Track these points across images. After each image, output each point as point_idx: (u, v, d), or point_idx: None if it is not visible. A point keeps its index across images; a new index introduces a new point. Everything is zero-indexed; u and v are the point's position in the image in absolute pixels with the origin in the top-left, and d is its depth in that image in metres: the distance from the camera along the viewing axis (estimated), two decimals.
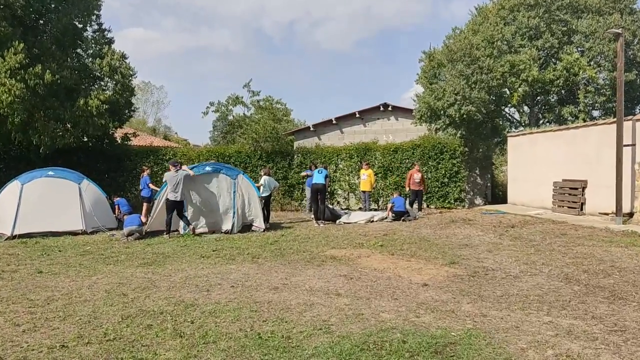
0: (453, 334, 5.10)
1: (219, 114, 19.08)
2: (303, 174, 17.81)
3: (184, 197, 12.85)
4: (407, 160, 18.95)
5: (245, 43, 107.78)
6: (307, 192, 17.46)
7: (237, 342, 5.01)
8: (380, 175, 18.87)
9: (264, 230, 13.46)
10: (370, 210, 17.37)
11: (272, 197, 16.02)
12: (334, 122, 24.85)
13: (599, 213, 14.28)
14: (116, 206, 15.81)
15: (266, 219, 14.50)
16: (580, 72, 19.01)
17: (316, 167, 17.43)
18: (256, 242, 11.78)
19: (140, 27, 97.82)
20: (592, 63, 19.44)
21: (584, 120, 19.24)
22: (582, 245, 10.10)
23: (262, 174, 15.10)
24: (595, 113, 21.06)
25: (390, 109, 24.11)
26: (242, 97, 19.27)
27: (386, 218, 15.41)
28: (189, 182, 13.10)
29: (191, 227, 12.83)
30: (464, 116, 18.99)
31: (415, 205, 16.62)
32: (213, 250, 10.61)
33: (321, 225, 14.69)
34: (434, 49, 21.06)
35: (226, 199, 13.48)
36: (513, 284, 7.14)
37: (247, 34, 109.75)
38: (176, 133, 60.78)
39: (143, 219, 13.43)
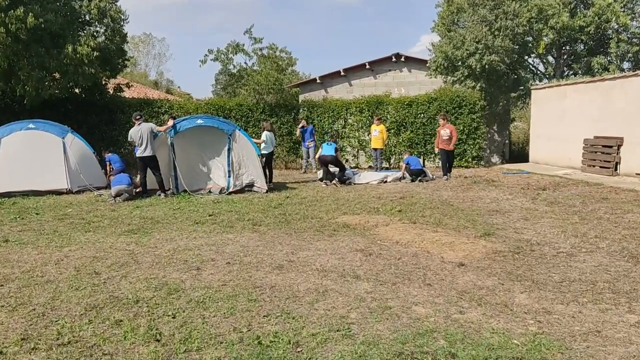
0: (515, 341, 3.83)
1: (219, 63, 17.51)
2: (297, 133, 16.69)
3: (155, 152, 11.64)
4: (422, 115, 17.46)
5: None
6: (304, 152, 16.58)
7: (229, 350, 3.77)
8: (392, 131, 17.43)
9: (266, 192, 12.19)
10: (382, 169, 16.03)
11: (274, 155, 14.69)
12: (342, 73, 23.16)
13: (636, 174, 12.91)
14: (107, 162, 14.47)
15: (269, 178, 13.22)
16: (613, 19, 17.26)
17: (308, 124, 16.47)
18: (258, 205, 10.52)
19: None
20: (625, 9, 17.64)
21: (615, 72, 17.63)
22: (632, 213, 8.77)
23: (263, 128, 13.71)
24: (625, 65, 19.40)
25: (402, 59, 22.39)
26: (244, 45, 17.67)
27: (403, 178, 14.06)
28: (184, 139, 11.80)
29: (163, 194, 11.55)
30: (486, 67, 17.37)
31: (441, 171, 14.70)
32: (209, 215, 9.36)
33: (330, 185, 13.41)
34: None
35: (220, 156, 12.20)
36: (570, 265, 5.84)
37: None
38: (179, 87, 59.05)
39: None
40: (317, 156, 14.15)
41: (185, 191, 11.88)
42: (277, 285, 5.26)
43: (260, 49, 17.77)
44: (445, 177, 14.06)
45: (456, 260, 6.06)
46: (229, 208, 10.14)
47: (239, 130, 12.42)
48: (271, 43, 17.82)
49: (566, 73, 19.88)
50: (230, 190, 12.16)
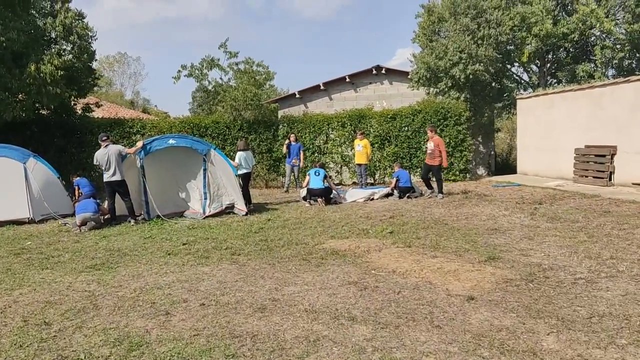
0: None
1: (194, 79, 16.70)
2: (284, 150, 15.80)
3: (124, 176, 10.75)
4: (407, 128, 16.83)
5: (225, 12, 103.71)
6: (287, 169, 15.82)
7: None
8: (376, 145, 16.76)
9: (246, 214, 11.37)
10: (367, 184, 15.32)
11: (253, 175, 13.88)
12: (322, 87, 22.60)
13: (633, 184, 12.39)
14: (76, 187, 13.49)
15: (247, 200, 12.41)
16: (597, 25, 16.92)
17: (296, 139, 15.65)
18: (237, 230, 9.69)
19: None
20: (609, 15, 17.33)
21: (601, 79, 17.26)
22: None
23: (237, 148, 12.88)
24: (610, 72, 19.08)
25: (383, 72, 21.91)
26: (219, 60, 16.91)
27: (391, 194, 13.34)
28: (155, 161, 10.95)
29: (133, 221, 10.66)
30: (470, 77, 16.86)
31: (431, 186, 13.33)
32: (183, 244, 8.51)
33: (314, 204, 12.64)
34: (433, 2, 18.74)
35: (195, 178, 11.40)
36: (594, 294, 5.14)
37: (226, 2, 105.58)
38: (156, 106, 58.14)
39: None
40: (304, 184, 13.34)
41: (157, 217, 11.01)
42: (259, 334, 4.45)
43: (236, 64, 17.05)
44: (440, 195, 12.76)
45: (464, 292, 5.31)
46: (205, 235, 9.30)
47: (215, 149, 11.60)
48: (247, 57, 17.14)
49: (550, 82, 19.49)
50: (207, 214, 11.33)
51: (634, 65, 18.58)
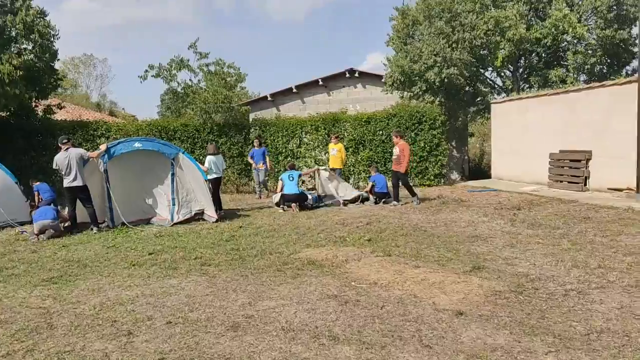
0: None
1: (162, 79, 16.09)
2: (250, 161, 15.28)
3: (85, 181, 10.15)
4: (381, 132, 16.56)
5: (195, 15, 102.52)
6: (255, 175, 15.41)
7: None
8: (351, 149, 16.44)
9: (216, 221, 10.88)
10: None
11: (223, 179, 13.38)
12: (295, 90, 22.17)
13: (609, 189, 12.32)
14: (35, 192, 12.78)
15: (218, 206, 11.93)
16: (570, 30, 16.96)
17: (260, 144, 15.10)
18: (207, 238, 9.21)
19: None
20: (581, 20, 17.41)
21: (573, 84, 17.32)
22: (624, 234, 7.98)
23: (207, 153, 12.39)
24: (582, 77, 19.17)
25: (357, 75, 21.63)
26: (188, 60, 16.35)
27: (366, 200, 13.02)
28: (120, 165, 10.40)
29: (96, 229, 10.09)
30: (445, 80, 16.70)
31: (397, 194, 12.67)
32: (149, 254, 8.00)
33: (288, 210, 12.23)
34: (407, 5, 18.58)
35: (163, 183, 10.89)
36: (588, 307, 4.85)
37: (196, 4, 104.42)
38: (123, 109, 56.87)
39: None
40: (278, 190, 12.88)
41: (122, 224, 10.45)
42: (232, 357, 4.02)
43: (207, 65, 16.51)
44: (395, 203, 12.29)
45: (452, 306, 4.97)
46: (173, 243, 8.79)
47: (183, 153, 11.10)
48: (218, 58, 16.61)
49: (523, 86, 19.50)
50: (175, 221, 10.82)
51: (604, 71, 18.70)
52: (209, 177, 11.90)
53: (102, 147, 10.48)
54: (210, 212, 11.07)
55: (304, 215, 11.58)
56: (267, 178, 15.43)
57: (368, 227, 9.66)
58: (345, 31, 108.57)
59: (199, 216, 11.16)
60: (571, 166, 13.68)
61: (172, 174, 10.90)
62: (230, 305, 5.29)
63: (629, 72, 19.07)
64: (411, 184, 13.08)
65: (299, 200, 12.32)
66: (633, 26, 17.75)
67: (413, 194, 12.53)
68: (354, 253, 7.39)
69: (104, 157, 10.36)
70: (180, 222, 10.85)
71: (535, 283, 5.65)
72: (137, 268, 7.10)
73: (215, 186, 12.13)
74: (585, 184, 13.18)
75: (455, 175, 20.15)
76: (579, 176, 13.33)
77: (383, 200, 12.67)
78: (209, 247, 8.38)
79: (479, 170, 24.35)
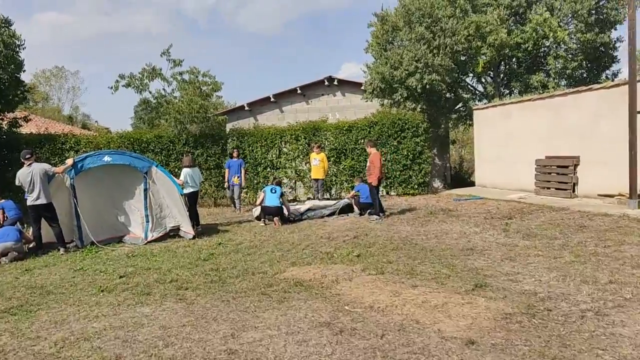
0: None
1: (133, 89, 15.36)
2: (226, 174, 14.43)
3: (50, 199, 9.42)
4: (364, 141, 16.05)
5: (169, 26, 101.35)
6: (228, 189, 14.64)
7: None
8: (332, 159, 15.91)
9: (193, 238, 10.24)
10: (324, 200, 14.41)
11: (200, 193, 12.72)
12: (272, 99, 21.67)
13: (599, 195, 12.01)
14: (0, 210, 11.94)
15: (195, 222, 11.28)
16: (551, 35, 16.78)
17: (235, 156, 14.35)
18: (183, 257, 8.57)
19: (53, 11, 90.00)
20: (561, 24, 17.24)
21: (554, 90, 17.12)
22: (626, 244, 7.57)
23: (182, 165, 11.75)
24: (562, 82, 19.00)
25: (336, 83, 21.25)
26: (161, 69, 15.67)
27: (351, 212, 12.49)
28: (88, 180, 9.71)
29: (63, 250, 9.40)
30: (427, 87, 16.34)
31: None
32: (120, 277, 7.33)
33: (269, 224, 11.64)
34: (386, 10, 18.20)
35: (135, 198, 10.22)
36: (611, 332, 4.37)
37: (170, 16, 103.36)
38: (96, 122, 55.67)
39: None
40: (258, 202, 12.25)
41: (92, 243, 9.74)
42: None
43: (180, 74, 15.84)
44: (375, 217, 11.35)
45: (460, 334, 4.44)
46: (147, 264, 8.14)
47: (157, 166, 10.44)
48: (192, 66, 15.96)
49: (503, 92, 19.26)
50: (149, 239, 10.14)
51: (584, 75, 18.56)
52: (185, 191, 11.26)
53: (69, 162, 9.76)
54: (187, 228, 10.42)
55: (286, 229, 10.99)
56: (240, 195, 14.65)
57: (355, 241, 9.13)
58: (320, 42, 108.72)
59: (174, 233, 10.52)
60: (558, 172, 13.37)
61: (145, 189, 10.23)
62: (210, 337, 4.69)
63: (609, 76, 19.02)
64: (381, 199, 12.02)
65: (281, 213, 11.73)
66: (613, 30, 17.67)
67: (376, 209, 11.54)
68: (343, 271, 6.83)
69: (71, 172, 9.65)
70: (155, 240, 10.19)
71: (547, 303, 5.16)
72: (106, 294, 6.44)
73: (192, 200, 11.48)
74: (573, 190, 12.87)
75: (437, 183, 19.78)
76: (567, 182, 13.02)
77: (368, 211, 12.14)
78: (186, 267, 7.75)
79: (459, 177, 24.06)
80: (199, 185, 11.83)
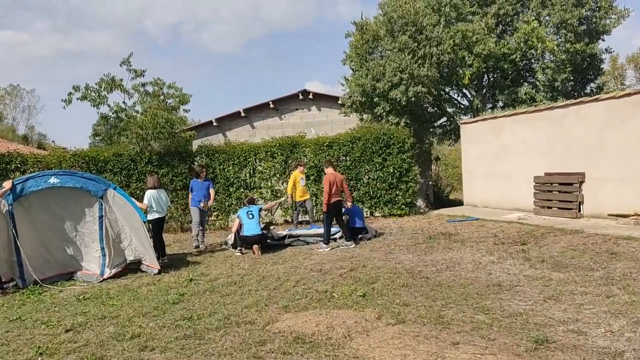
0: None
1: (90, 102, 13.68)
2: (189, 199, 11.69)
3: None
4: (346, 158, 14.77)
5: (128, 45, 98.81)
6: (194, 213, 11.34)
7: None
8: (312, 177, 14.50)
9: (158, 272, 8.66)
10: (300, 223, 12.97)
11: (166, 218, 11.08)
12: (243, 114, 20.25)
13: (609, 215, 10.96)
14: None
15: (160, 252, 9.72)
16: (539, 45, 15.92)
17: (201, 175, 11.45)
18: (147, 300, 7.02)
19: (8, 30, 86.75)
20: (550, 34, 16.43)
21: (542, 102, 16.24)
22: None
23: (147, 187, 10.13)
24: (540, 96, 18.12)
25: (311, 97, 19.99)
26: (121, 80, 14.06)
27: (340, 238, 11.05)
28: (31, 206, 8.08)
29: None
30: (412, 99, 15.19)
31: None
32: (67, 331, 5.76)
33: (246, 253, 10.14)
34: (366, 19, 17.07)
35: (88, 227, 8.60)
36: None
37: (129, 36, 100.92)
38: (53, 141, 53.07)
39: None
40: (234, 229, 10.62)
41: (36, 283, 8.07)
42: None
43: (143, 85, 14.25)
44: (323, 247, 10.05)
45: None
46: (102, 311, 6.55)
47: (114, 189, 8.84)
48: (156, 78, 14.40)
49: (487, 106, 18.30)
50: (106, 275, 8.52)
51: (569, 89, 17.75)
52: (149, 217, 9.69)
53: (7, 185, 8.11)
54: (150, 262, 8.83)
55: (268, 259, 9.49)
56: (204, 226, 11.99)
57: (354, 275, 7.72)
58: (282, 61, 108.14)
59: (135, 267, 8.90)
60: (561, 190, 12.30)
61: (101, 216, 8.62)
62: None
63: (593, 90, 18.29)
64: (332, 227, 10.52)
65: (262, 241, 10.24)
66: (601, 40, 16.95)
67: (327, 238, 10.19)
68: (354, 320, 5.40)
69: (9, 197, 7.99)
70: (113, 277, 8.58)
71: None
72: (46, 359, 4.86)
73: (157, 228, 9.92)
74: (579, 210, 11.80)
75: (420, 203, 18.58)
76: (571, 201, 11.95)
77: (360, 236, 10.78)
78: (151, 315, 6.21)
79: (437, 196, 23.01)
80: (165, 210, 10.25)
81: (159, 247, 9.86)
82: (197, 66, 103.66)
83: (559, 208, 12.26)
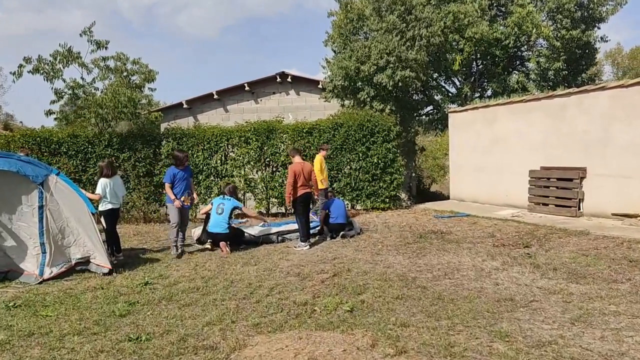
0: None
1: (43, 76, 12.21)
2: (169, 191, 8.75)
3: None
4: (327, 145, 13.55)
5: (102, 26, 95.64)
6: (172, 212, 8.77)
7: None
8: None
9: (109, 273, 7.42)
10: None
11: (127, 206, 9.76)
12: (216, 96, 18.88)
13: (613, 214, 10.07)
14: None
15: (116, 249, 8.48)
16: (534, 31, 14.96)
17: (184, 161, 8.89)
18: (89, 309, 5.79)
19: None
20: (546, 19, 15.49)
21: (535, 91, 15.34)
22: None
23: (99, 173, 8.75)
24: (532, 85, 17.21)
25: (289, 80, 18.73)
26: (79, 53, 12.60)
27: (320, 234, 9.95)
28: None
29: None
30: (399, 84, 14.08)
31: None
32: None
33: (214, 250, 8.92)
34: None
35: (26, 220, 7.29)
36: None
37: (103, 16, 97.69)
38: (21, 122, 50.76)
39: None
40: (203, 212, 9.18)
41: None
42: None
43: (104, 59, 12.80)
44: (302, 245, 8.94)
45: None
46: (31, 324, 5.33)
47: (57, 174, 7.53)
48: (119, 52, 12.96)
49: (477, 95, 17.33)
50: (47, 276, 7.24)
51: (560, 78, 16.86)
52: (102, 207, 8.42)
53: None
54: (100, 260, 7.57)
55: (238, 259, 8.30)
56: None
57: (337, 281, 6.61)
58: (257, 47, 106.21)
59: (82, 266, 7.63)
60: (559, 186, 11.37)
61: (41, 206, 7.30)
62: None
63: (585, 81, 17.46)
64: (309, 222, 9.35)
65: (230, 238, 9.03)
66: (597, 28, 16.09)
67: (304, 234, 9.07)
68: (342, 349, 4.30)
69: None
70: (54, 278, 7.28)
71: None
72: None
73: (111, 220, 8.65)
74: (579, 208, 10.90)
75: (402, 196, 17.56)
76: (570, 198, 11.04)
77: (342, 233, 9.66)
78: (90, 332, 5.01)
79: (417, 188, 22.06)
80: (121, 200, 8.96)
81: (113, 242, 8.62)
82: (172, 48, 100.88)
83: (557, 205, 11.35)
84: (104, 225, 8.56)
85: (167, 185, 8.76)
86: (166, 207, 9.85)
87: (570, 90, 11.48)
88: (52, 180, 7.38)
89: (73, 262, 7.56)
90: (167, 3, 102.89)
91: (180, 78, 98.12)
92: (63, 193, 7.46)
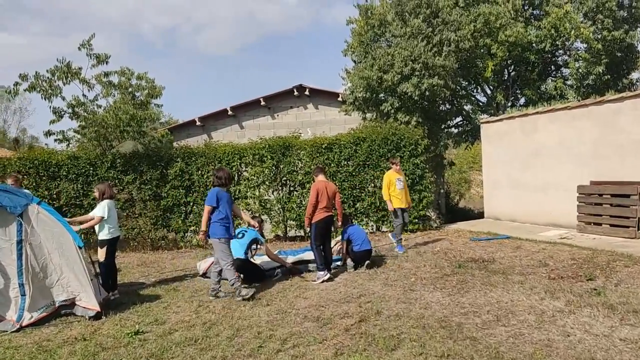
0: None
1: (40, 94, 11.32)
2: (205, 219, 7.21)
3: None
4: (348, 163, 12.42)
5: (125, 49, 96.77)
6: (220, 247, 7.04)
7: None
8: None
9: (96, 317, 6.34)
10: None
11: (132, 233, 8.74)
12: (230, 112, 17.94)
13: None
14: None
15: (111, 285, 7.44)
16: (572, 32, 13.67)
17: (228, 182, 7.46)
18: None
19: (3, 32, 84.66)
20: (586, 20, 14.18)
21: (575, 98, 14.02)
22: None
23: (98, 196, 7.68)
24: (572, 92, 15.84)
25: (307, 93, 17.69)
26: (80, 68, 11.72)
27: (342, 265, 8.75)
28: None
29: None
30: (426, 94, 12.90)
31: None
32: None
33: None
34: (371, 2, 14.79)
35: (3, 257, 6.29)
36: None
37: (126, 39, 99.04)
38: (46, 144, 51.16)
39: None
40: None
41: None
42: None
43: (107, 74, 11.90)
44: (321, 274, 7.78)
45: None
46: None
47: (39, 204, 6.50)
48: (123, 67, 12.06)
49: (510, 104, 16.03)
50: (27, 322, 6.20)
51: (598, 85, 15.45)
52: (104, 236, 7.41)
53: None
54: (87, 302, 6.49)
55: (246, 306, 7.14)
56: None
57: (364, 328, 5.41)
58: (276, 64, 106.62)
59: (67, 310, 6.56)
60: (613, 203, 10.01)
61: (20, 241, 6.27)
62: None
63: (626, 86, 16.05)
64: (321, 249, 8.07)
65: (246, 271, 7.89)
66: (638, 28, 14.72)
67: (322, 262, 7.88)
68: None
69: None
70: (34, 323, 6.23)
71: None
72: None
73: (113, 251, 7.61)
74: (638, 228, 9.52)
75: (431, 215, 16.27)
76: (628, 217, 9.67)
77: (367, 263, 8.44)
78: None
79: (451, 205, 20.78)
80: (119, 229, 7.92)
81: (110, 276, 7.55)
82: (188, 64, 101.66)
83: (612, 225, 9.99)
84: (102, 257, 7.48)
85: (206, 209, 7.06)
86: (208, 244, 8.15)
87: (624, 94, 10.16)
88: (32, 210, 6.36)
89: (57, 304, 6.51)
90: (187, 24, 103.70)
91: (199, 96, 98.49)
92: (46, 224, 6.43)
